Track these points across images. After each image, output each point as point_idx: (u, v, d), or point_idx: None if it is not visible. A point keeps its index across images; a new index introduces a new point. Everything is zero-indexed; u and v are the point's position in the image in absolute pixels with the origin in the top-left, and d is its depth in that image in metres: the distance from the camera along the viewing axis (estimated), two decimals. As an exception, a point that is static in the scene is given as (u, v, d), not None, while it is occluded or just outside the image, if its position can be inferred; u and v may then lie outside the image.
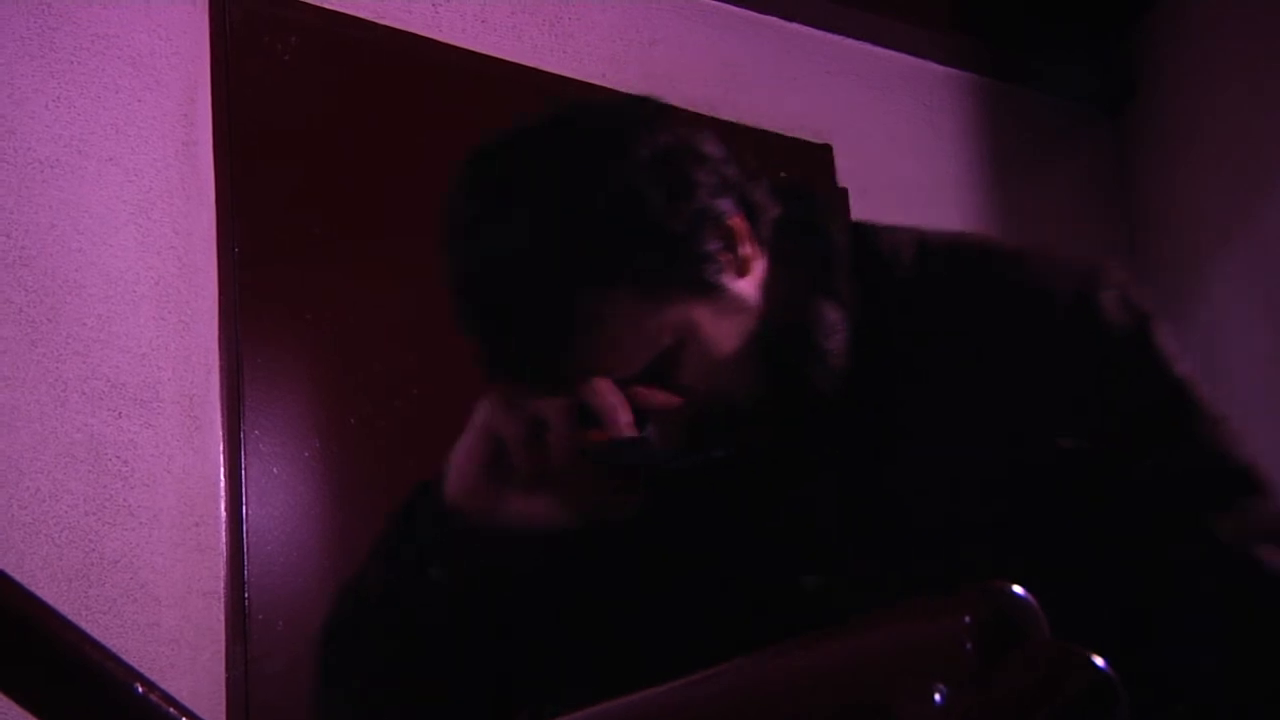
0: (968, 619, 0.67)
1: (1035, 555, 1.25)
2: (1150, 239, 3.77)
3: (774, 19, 3.37)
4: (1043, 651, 0.67)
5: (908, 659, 0.68)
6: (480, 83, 2.90)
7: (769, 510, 1.40)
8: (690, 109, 3.16)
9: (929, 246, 1.49)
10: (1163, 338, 1.44)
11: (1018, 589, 0.69)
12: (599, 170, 1.37)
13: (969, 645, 0.67)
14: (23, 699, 0.81)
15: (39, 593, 0.92)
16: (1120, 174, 3.84)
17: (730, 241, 1.42)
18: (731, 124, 3.21)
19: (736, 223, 1.44)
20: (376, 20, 2.82)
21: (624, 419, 1.30)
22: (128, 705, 0.81)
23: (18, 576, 0.93)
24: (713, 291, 1.38)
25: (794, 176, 1.53)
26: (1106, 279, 1.47)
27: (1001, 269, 1.49)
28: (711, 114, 3.18)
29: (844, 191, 3.32)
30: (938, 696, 0.67)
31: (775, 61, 3.35)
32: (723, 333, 1.37)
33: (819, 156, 3.33)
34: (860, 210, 3.29)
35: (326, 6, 2.77)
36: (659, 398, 1.33)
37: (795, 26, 3.40)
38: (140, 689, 0.82)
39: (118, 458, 2.39)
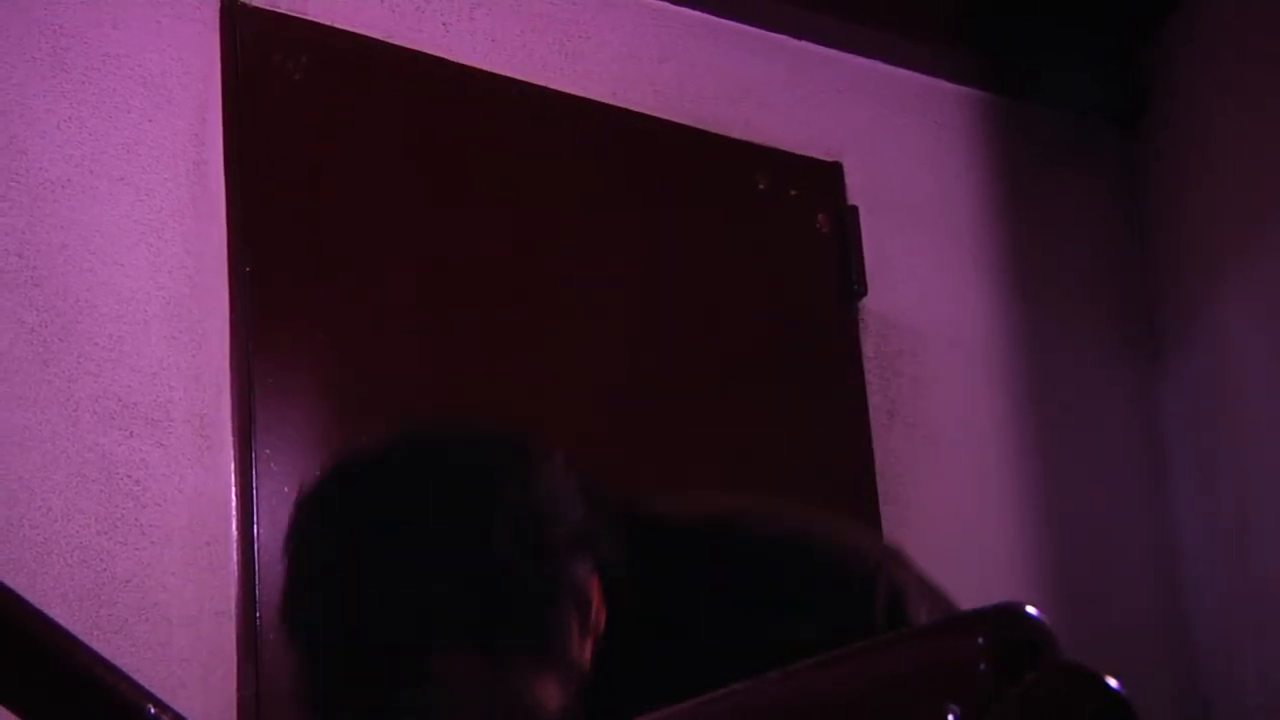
0: (981, 640, 0.67)
1: None
2: (1164, 253, 3.76)
3: (784, 37, 3.37)
4: (1057, 673, 0.66)
5: (922, 680, 0.68)
6: (490, 101, 2.91)
7: None
8: (700, 127, 3.16)
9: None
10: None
11: (1031, 610, 0.69)
12: (465, 514, 1.33)
13: (983, 666, 0.67)
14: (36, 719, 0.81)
15: (51, 613, 0.92)
16: (1134, 188, 3.83)
17: (585, 610, 1.37)
18: (742, 141, 3.21)
19: (593, 587, 1.38)
20: (387, 39, 2.82)
21: None
22: (139, 727, 0.81)
23: (29, 597, 0.93)
24: (561, 664, 1.34)
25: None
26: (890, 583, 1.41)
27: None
28: (721, 132, 3.19)
29: (854, 209, 3.32)
30: (951, 718, 0.66)
31: (786, 79, 3.35)
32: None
33: (830, 174, 3.33)
34: (872, 227, 3.31)
35: (337, 26, 2.78)
36: None
37: (806, 44, 3.40)
38: (152, 710, 0.82)
39: (129, 477, 2.39)
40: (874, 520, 3.07)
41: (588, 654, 1.36)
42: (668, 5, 3.22)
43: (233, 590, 2.43)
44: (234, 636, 2.41)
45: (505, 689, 1.30)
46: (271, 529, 2.48)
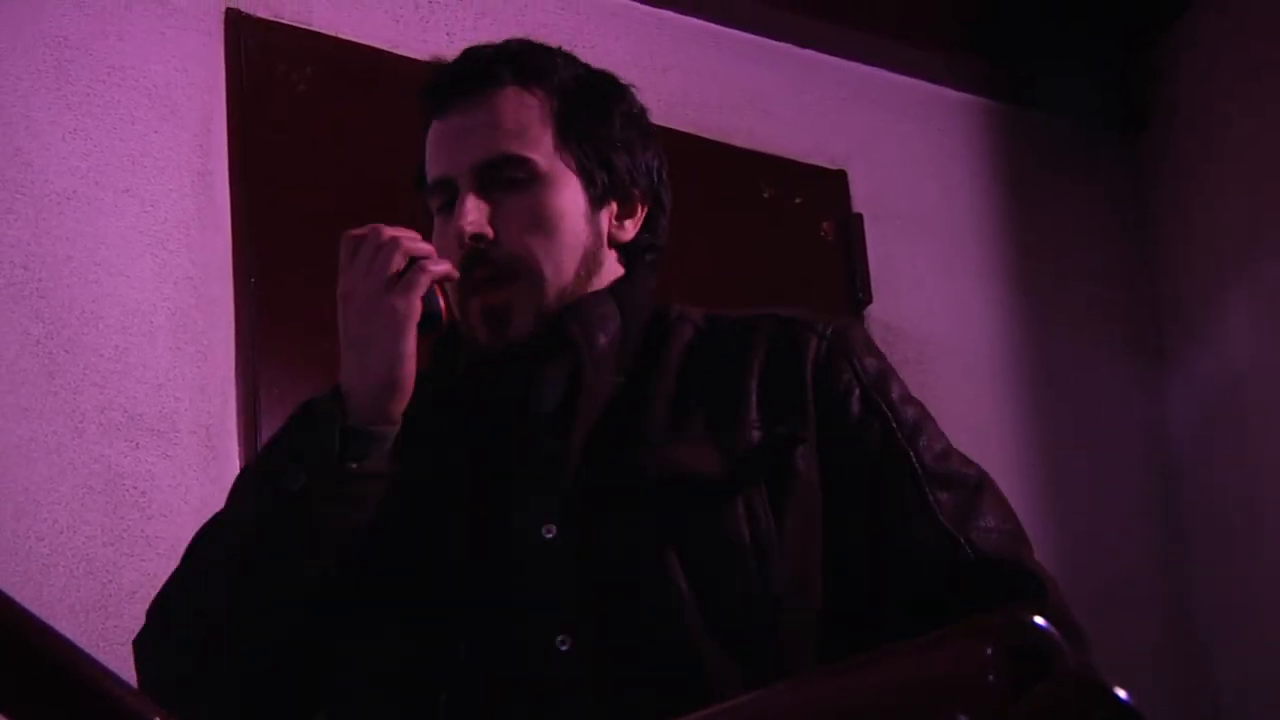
0: (990, 650, 0.67)
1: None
2: (1167, 262, 3.76)
3: (788, 45, 3.37)
4: (1067, 683, 0.66)
5: (931, 690, 0.68)
6: (495, 111, 2.91)
7: (510, 456, 1.47)
8: (705, 135, 3.16)
9: (714, 313, 1.61)
10: (898, 381, 1.54)
11: (1039, 619, 0.69)
12: (594, 72, 1.61)
13: (992, 676, 0.66)
14: (41, 734, 0.81)
15: (57, 625, 0.92)
16: (1137, 196, 3.83)
17: (628, 207, 1.57)
18: (746, 150, 3.21)
19: (649, 204, 1.60)
20: (391, 49, 2.82)
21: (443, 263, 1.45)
22: (146, 740, 0.81)
23: (35, 609, 0.93)
24: (594, 193, 1.54)
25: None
26: (858, 329, 1.58)
27: (772, 310, 1.59)
28: (726, 140, 3.19)
29: (859, 217, 3.32)
30: (960, 728, 0.66)
31: (790, 88, 3.35)
32: (566, 222, 1.51)
33: (834, 182, 3.33)
34: (877, 235, 3.31)
35: (341, 36, 2.78)
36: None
37: (810, 53, 3.40)
38: (158, 723, 0.82)
39: (135, 489, 2.39)
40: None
41: None
42: (672, 14, 3.23)
43: (239, 601, 2.43)
44: (240, 647, 2.41)
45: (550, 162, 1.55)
46: (277, 540, 2.48)
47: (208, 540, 1.51)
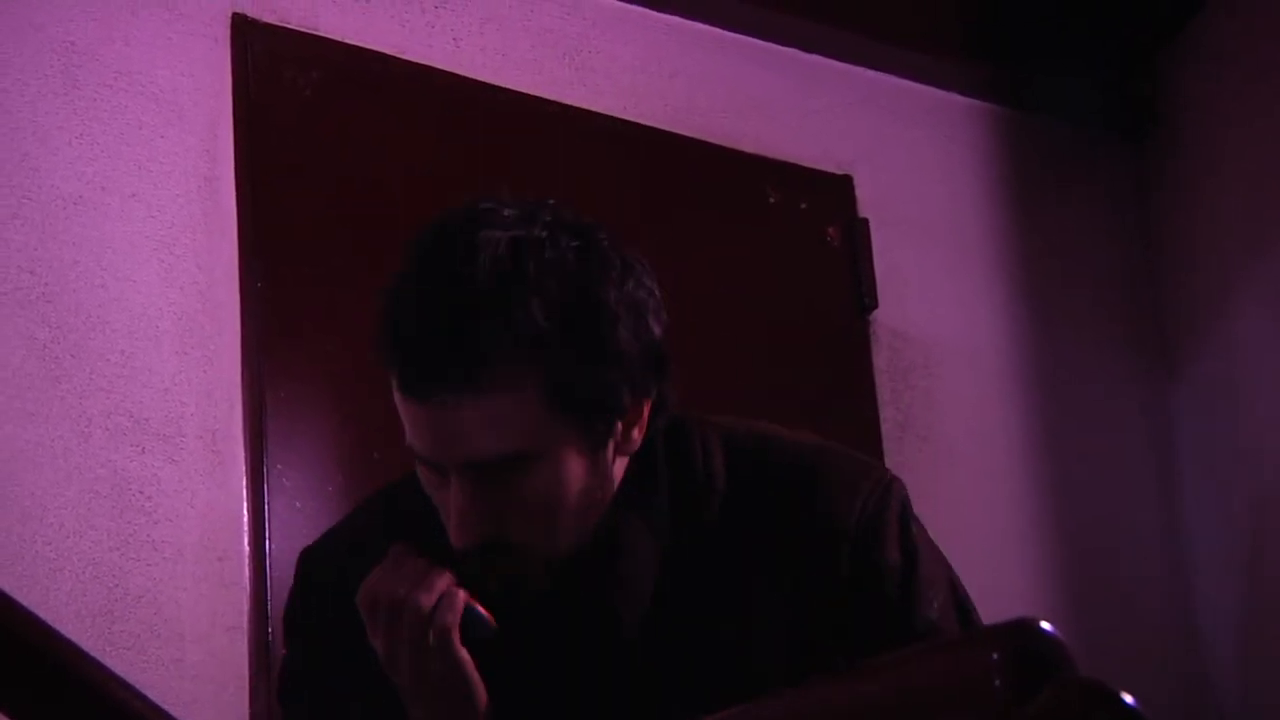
0: (996, 655, 0.67)
1: None
2: (1173, 264, 3.76)
3: (794, 50, 3.37)
4: (1073, 688, 0.66)
5: (937, 695, 0.68)
6: (501, 116, 2.91)
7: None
8: (711, 141, 3.16)
9: (735, 451, 1.52)
10: (924, 570, 1.50)
11: (1045, 625, 0.69)
12: (584, 264, 1.41)
13: (998, 681, 0.66)
14: (47, 738, 0.81)
15: (63, 630, 0.92)
16: (1142, 202, 3.82)
17: (633, 416, 1.44)
18: (752, 155, 3.21)
19: (647, 404, 1.46)
20: (397, 54, 2.82)
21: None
22: (152, 744, 0.81)
23: (41, 613, 0.93)
24: (596, 440, 1.42)
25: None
26: (890, 509, 1.51)
27: (798, 488, 1.51)
28: (732, 145, 3.19)
29: (865, 222, 3.32)
30: (966, 733, 0.66)
31: (796, 93, 3.35)
32: (571, 492, 1.41)
33: (840, 187, 3.33)
34: (882, 240, 3.31)
35: (348, 41, 2.78)
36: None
37: (816, 58, 3.40)
38: (165, 728, 0.82)
39: (141, 493, 2.39)
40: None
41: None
42: (678, 19, 3.23)
43: (245, 606, 2.43)
44: (246, 652, 2.41)
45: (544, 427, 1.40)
46: (283, 544, 2.48)
47: None
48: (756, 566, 1.46)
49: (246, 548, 2.46)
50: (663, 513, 1.48)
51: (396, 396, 1.43)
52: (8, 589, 0.93)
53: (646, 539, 1.46)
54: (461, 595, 1.39)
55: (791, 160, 3.27)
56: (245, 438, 2.50)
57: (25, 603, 0.91)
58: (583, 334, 1.38)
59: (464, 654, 1.39)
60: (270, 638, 2.42)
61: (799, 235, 3.23)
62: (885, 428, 3.20)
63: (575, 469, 1.41)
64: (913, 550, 1.50)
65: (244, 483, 2.48)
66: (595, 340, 1.39)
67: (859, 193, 3.36)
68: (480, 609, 1.40)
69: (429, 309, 1.38)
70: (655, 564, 1.45)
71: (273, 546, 2.47)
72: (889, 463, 3.16)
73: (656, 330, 1.46)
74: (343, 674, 1.48)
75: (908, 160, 3.48)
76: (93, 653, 0.91)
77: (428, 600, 1.37)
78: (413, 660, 1.38)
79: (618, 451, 1.45)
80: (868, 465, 1.56)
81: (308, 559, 1.60)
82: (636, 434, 1.45)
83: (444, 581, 1.39)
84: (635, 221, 3.00)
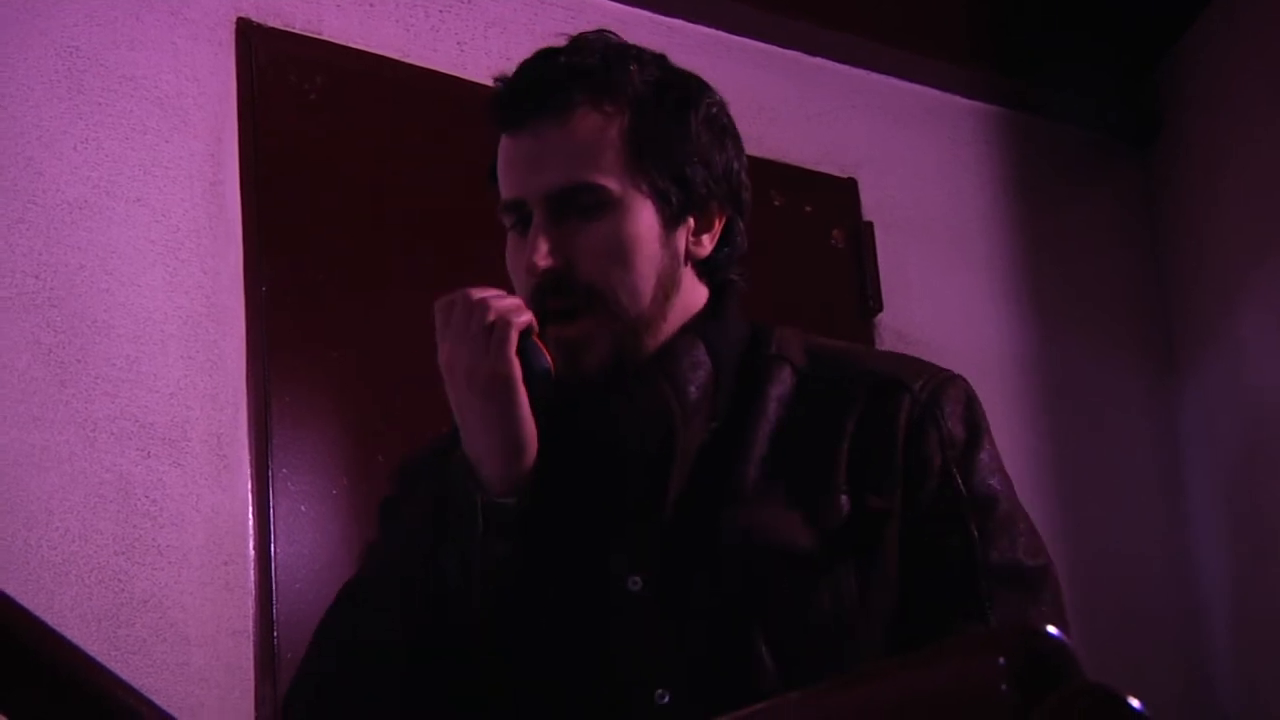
0: (1003, 661, 0.67)
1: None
2: (1179, 269, 3.76)
3: (798, 54, 3.37)
4: (1080, 693, 0.66)
5: (944, 700, 0.68)
6: (506, 120, 2.91)
7: (599, 500, 1.46)
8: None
9: (813, 344, 1.59)
10: (987, 449, 1.57)
11: (1052, 630, 0.69)
12: (671, 75, 1.57)
13: (1005, 687, 0.66)
14: (54, 743, 0.81)
15: (69, 634, 0.92)
16: (1148, 206, 3.83)
17: (706, 218, 1.54)
18: (757, 158, 3.20)
19: (720, 218, 1.56)
20: (402, 59, 2.83)
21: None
22: (159, 749, 0.81)
23: (47, 618, 0.93)
24: (670, 213, 1.50)
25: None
26: (957, 386, 1.60)
27: (871, 361, 1.61)
28: (737, 149, 3.19)
29: (869, 225, 3.32)
30: (973, 738, 0.66)
31: (800, 96, 3.35)
32: (641, 246, 1.48)
33: (845, 190, 3.33)
34: (887, 243, 3.31)
35: (352, 46, 2.78)
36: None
37: (820, 61, 3.40)
38: (171, 732, 0.82)
39: (146, 497, 2.39)
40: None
41: None
42: (681, 22, 3.23)
43: (250, 609, 2.43)
44: (252, 656, 2.41)
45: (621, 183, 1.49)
46: (289, 548, 2.48)
47: (357, 627, 1.49)
48: (820, 420, 1.48)
49: (252, 551, 2.46)
50: (733, 350, 1.53)
51: (499, 152, 1.57)
52: (14, 593, 0.93)
53: (704, 360, 1.50)
54: (523, 322, 1.44)
55: (796, 164, 3.28)
56: (250, 442, 2.50)
57: (31, 607, 0.91)
58: (670, 107, 1.52)
59: (518, 371, 1.42)
60: (276, 641, 2.42)
61: (804, 238, 3.23)
62: (890, 431, 3.20)
63: (647, 227, 1.49)
64: (977, 430, 1.56)
65: (249, 486, 2.48)
66: (680, 117, 1.53)
67: (863, 196, 3.36)
68: (547, 355, 1.44)
69: (533, 64, 1.58)
70: (710, 385, 1.49)
71: (278, 550, 2.47)
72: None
73: (735, 164, 1.59)
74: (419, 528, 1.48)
75: (912, 164, 3.48)
76: (98, 657, 0.91)
77: (500, 302, 1.44)
78: (471, 363, 1.43)
79: (689, 255, 1.53)
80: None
81: (404, 460, 1.69)
82: (707, 241, 1.55)
83: (518, 300, 1.46)
84: (640, 225, 3.01)
